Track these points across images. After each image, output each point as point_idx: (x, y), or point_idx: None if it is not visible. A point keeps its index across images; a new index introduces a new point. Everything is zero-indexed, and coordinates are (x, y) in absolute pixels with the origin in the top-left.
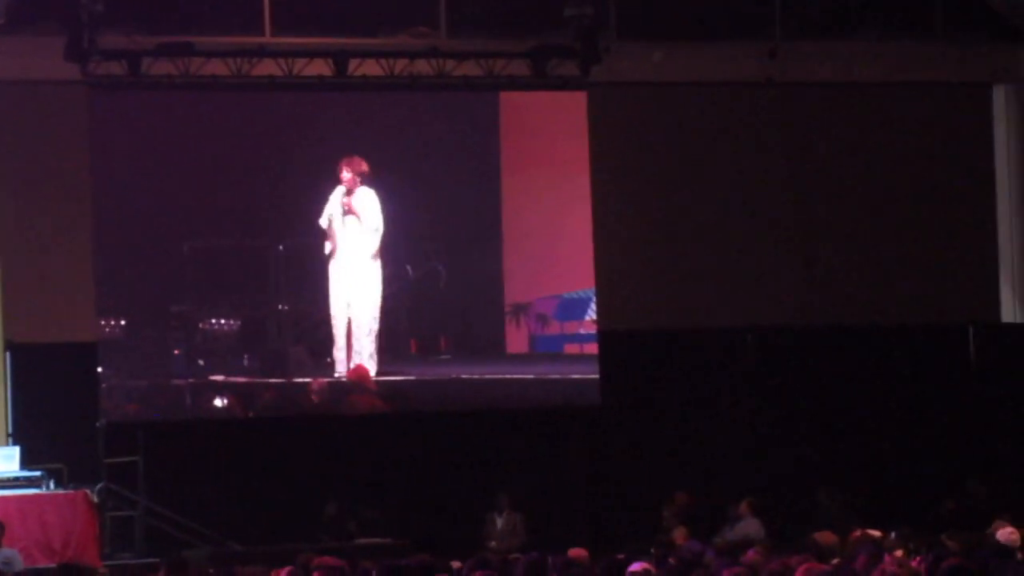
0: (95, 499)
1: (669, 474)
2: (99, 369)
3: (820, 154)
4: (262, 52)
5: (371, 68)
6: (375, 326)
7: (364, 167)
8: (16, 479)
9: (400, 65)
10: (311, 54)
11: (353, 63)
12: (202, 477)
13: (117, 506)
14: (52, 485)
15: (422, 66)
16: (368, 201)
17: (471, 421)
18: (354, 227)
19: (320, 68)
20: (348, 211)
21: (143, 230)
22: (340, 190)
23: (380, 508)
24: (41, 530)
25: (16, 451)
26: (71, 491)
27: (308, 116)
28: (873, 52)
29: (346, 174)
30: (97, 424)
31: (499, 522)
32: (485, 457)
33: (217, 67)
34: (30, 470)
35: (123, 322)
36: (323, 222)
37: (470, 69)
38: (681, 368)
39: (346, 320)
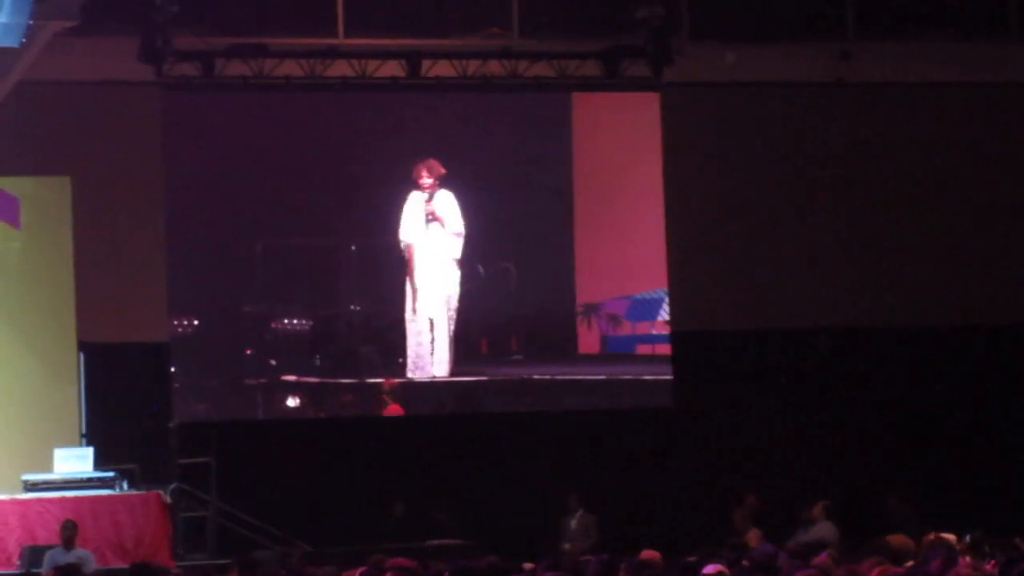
0: (167, 500)
1: (741, 476)
2: (171, 369)
3: (893, 155)
4: (335, 53)
5: (443, 69)
6: (454, 328)
7: (441, 169)
8: (89, 479)
9: (472, 66)
10: (384, 55)
11: (426, 64)
12: (274, 478)
13: (189, 507)
14: (125, 486)
15: (494, 67)
16: (450, 205)
17: (543, 422)
18: (438, 232)
19: (393, 69)
20: (432, 217)
21: (215, 230)
22: (419, 195)
23: (451, 509)
24: (114, 530)
25: (89, 451)
26: (144, 492)
27: (380, 116)
28: (946, 53)
29: (426, 179)
30: (170, 424)
31: (572, 523)
32: (558, 458)
33: (290, 68)
34: (103, 471)
35: (195, 322)
36: (404, 228)
37: (542, 70)
38: (754, 369)
39: (429, 323)
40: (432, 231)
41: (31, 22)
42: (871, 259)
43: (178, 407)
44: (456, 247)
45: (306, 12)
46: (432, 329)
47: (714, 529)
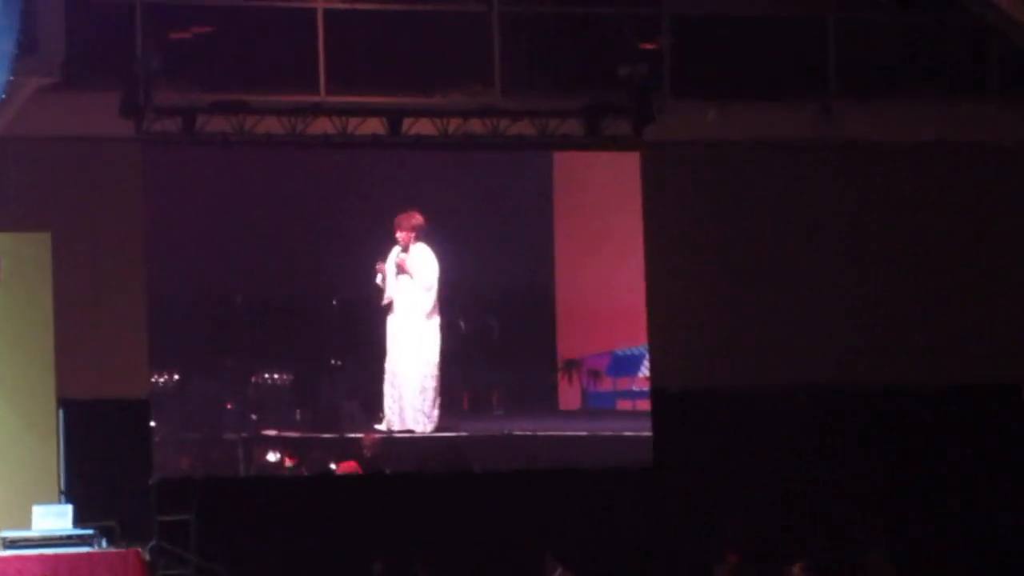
0: (147, 557)
1: (721, 534)
2: (152, 425)
3: (875, 213)
4: (317, 110)
5: (425, 127)
6: (429, 383)
7: (419, 220)
8: (68, 536)
9: (454, 124)
10: (365, 113)
11: (407, 122)
12: (255, 535)
13: (169, 564)
14: (104, 543)
15: (476, 125)
16: (422, 259)
17: (524, 479)
18: (407, 285)
19: (374, 126)
20: (401, 270)
21: (196, 285)
22: (396, 248)
23: (430, 566)
24: None
25: (68, 508)
26: (123, 549)
27: (362, 171)
28: (928, 112)
29: (400, 232)
30: (150, 482)
31: None
32: (538, 516)
33: (272, 125)
34: (82, 528)
35: (175, 376)
36: (379, 279)
37: (524, 128)
38: (734, 427)
39: (398, 377)
40: (401, 284)
41: (11, 78)
42: (852, 317)
43: (159, 462)
44: (425, 301)
45: (288, 69)
46: (403, 384)
47: None
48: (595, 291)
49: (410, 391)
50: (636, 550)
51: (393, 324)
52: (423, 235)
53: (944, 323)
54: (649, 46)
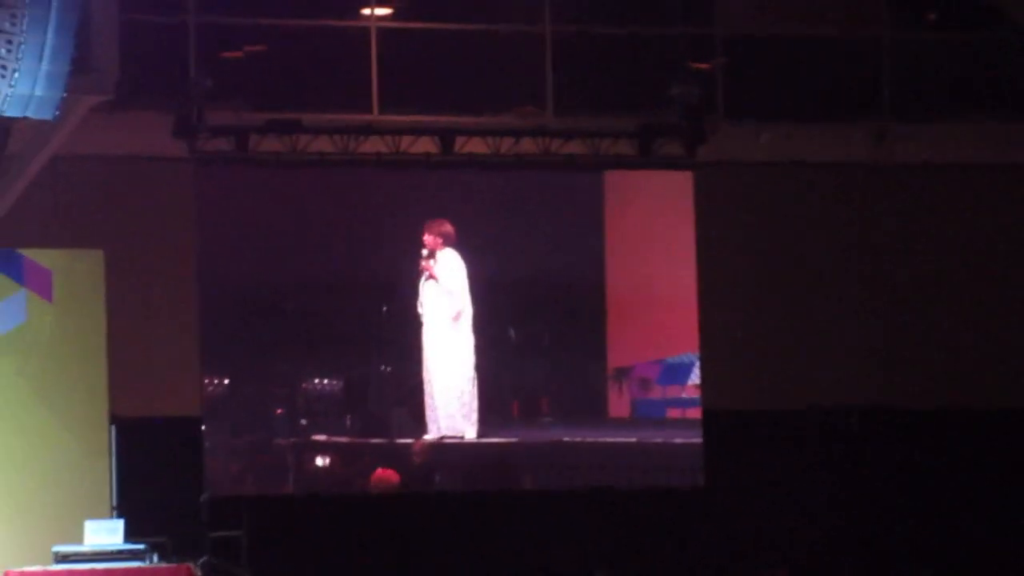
0: (198, 573)
1: (769, 554)
2: (203, 443)
3: (928, 236)
4: (369, 130)
5: (477, 146)
6: (466, 387)
7: (447, 228)
8: (120, 552)
9: (506, 144)
10: (417, 132)
11: (459, 141)
12: (306, 553)
13: None
14: (156, 558)
15: (528, 145)
16: (448, 264)
17: (575, 498)
18: (433, 290)
19: (426, 146)
20: (429, 275)
21: (247, 295)
22: (423, 253)
23: None
24: None
25: (120, 524)
26: (174, 565)
27: (416, 184)
28: (983, 134)
29: (428, 237)
30: (201, 498)
31: None
32: (589, 535)
33: (324, 144)
34: (133, 543)
35: (226, 381)
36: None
37: (576, 148)
38: (786, 447)
39: (433, 384)
40: (428, 289)
41: (65, 95)
42: (905, 339)
43: (209, 468)
44: (450, 306)
45: (341, 89)
46: (438, 390)
47: None
48: (645, 301)
49: (445, 398)
50: (685, 570)
51: (426, 330)
52: (452, 242)
53: (998, 346)
54: (702, 66)
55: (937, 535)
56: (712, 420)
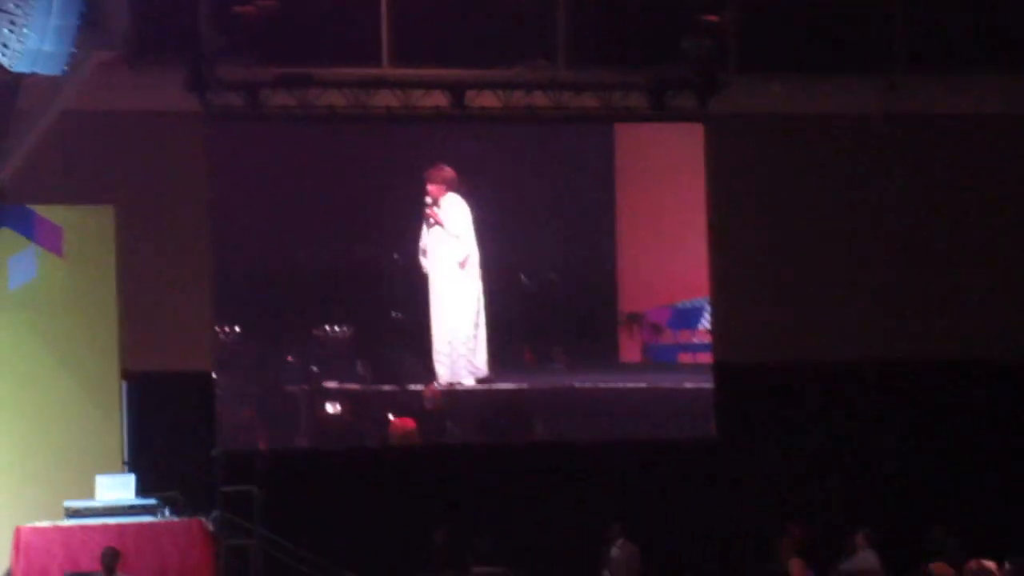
0: (210, 527)
1: (783, 506)
2: (215, 396)
3: (939, 187)
4: (380, 83)
5: (488, 100)
6: (472, 332)
7: (448, 173)
8: (132, 507)
9: (517, 97)
10: (428, 85)
11: (470, 94)
12: (318, 506)
13: (233, 535)
14: (167, 513)
15: (539, 98)
16: (452, 209)
17: (587, 450)
18: (440, 236)
19: (437, 99)
20: (434, 221)
21: (259, 246)
22: (427, 200)
23: (494, 536)
24: (156, 558)
25: (131, 479)
26: (186, 519)
27: (428, 137)
28: (993, 86)
29: (431, 185)
30: (213, 452)
31: (614, 553)
32: (602, 487)
33: (335, 98)
34: (145, 498)
35: (237, 329)
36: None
37: (587, 101)
38: (799, 400)
39: (443, 330)
40: (434, 235)
41: (74, 51)
42: (918, 291)
43: (221, 415)
44: (457, 250)
45: (351, 43)
46: (446, 335)
47: (757, 560)
48: (656, 248)
49: (449, 342)
50: (699, 523)
51: (432, 276)
52: (454, 187)
53: (1013, 297)
54: (713, 19)
55: (949, 486)
56: (724, 372)
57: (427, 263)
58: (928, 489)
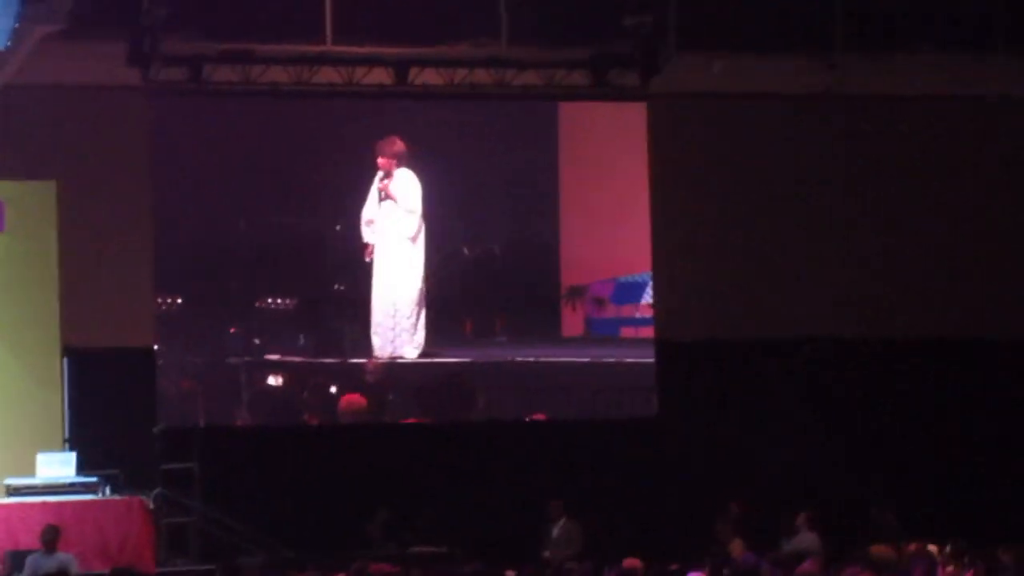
0: (151, 505)
1: (724, 485)
2: (156, 372)
3: (879, 167)
4: (323, 60)
5: (431, 77)
6: (416, 308)
7: (400, 146)
8: (72, 484)
9: (460, 74)
10: (371, 62)
11: (413, 71)
12: (257, 484)
13: (172, 512)
14: (108, 491)
15: (482, 75)
16: (404, 183)
17: (528, 428)
18: (390, 210)
19: (380, 76)
20: (385, 195)
21: (201, 219)
22: (379, 174)
23: (434, 515)
24: (97, 535)
25: (72, 456)
26: (127, 497)
27: (370, 110)
28: (933, 65)
29: (381, 159)
30: (154, 430)
31: (555, 531)
32: (542, 465)
33: (278, 74)
34: (86, 476)
35: (179, 300)
36: (366, 207)
37: (530, 79)
38: (738, 378)
39: (386, 303)
40: (385, 209)
41: (17, 25)
42: (856, 269)
43: (162, 401)
44: (409, 225)
45: (294, 19)
46: (388, 308)
47: (697, 538)
48: (599, 223)
49: (392, 315)
50: (639, 500)
51: (379, 249)
52: (405, 161)
53: (948, 276)
54: None
55: (888, 466)
56: (666, 349)
57: (372, 235)
58: (869, 468)
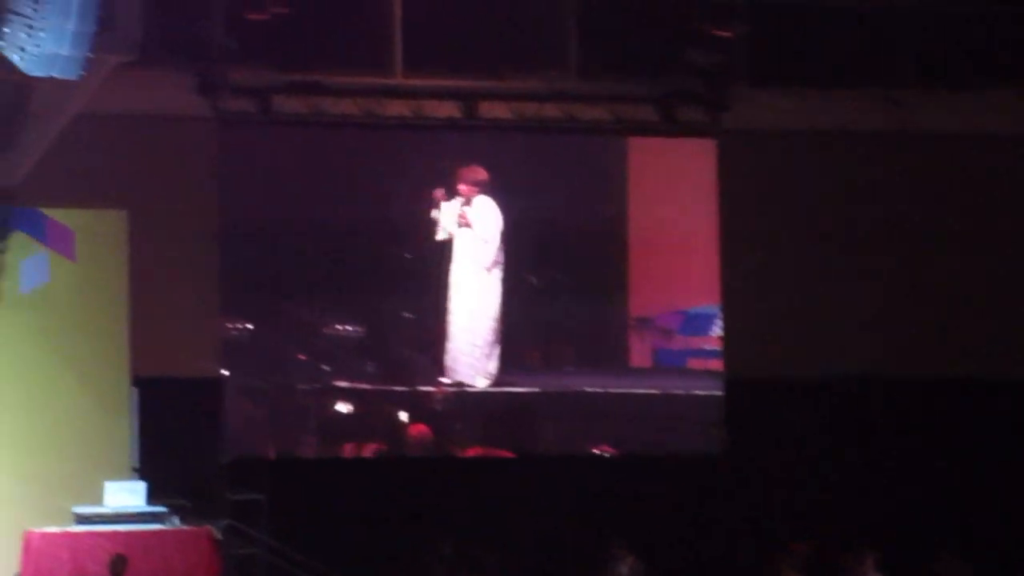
0: (218, 536)
1: (790, 525)
2: (225, 392)
3: (947, 204)
4: (392, 92)
5: (500, 111)
6: (490, 338)
7: (482, 175)
8: (141, 514)
9: (529, 108)
10: (440, 95)
11: (482, 105)
12: (325, 516)
13: (240, 544)
14: (176, 521)
15: (551, 109)
16: (483, 211)
17: (595, 464)
18: (467, 238)
19: (449, 110)
20: (463, 223)
21: (269, 247)
22: (458, 200)
23: (499, 551)
24: (163, 566)
25: (142, 486)
26: (194, 528)
27: (441, 142)
28: (1005, 105)
29: (462, 185)
30: (222, 461)
31: (621, 570)
32: (608, 502)
33: (347, 106)
34: (154, 505)
35: (248, 326)
36: (441, 234)
37: (599, 113)
38: (807, 417)
39: (462, 331)
40: (462, 236)
41: (90, 55)
42: (928, 309)
43: (230, 431)
44: (485, 253)
45: (364, 51)
46: (462, 337)
47: None
48: (668, 253)
49: (468, 344)
50: (704, 540)
51: (455, 277)
52: (486, 189)
53: (1019, 317)
54: (723, 33)
55: (960, 510)
56: (734, 385)
57: (452, 265)
58: (939, 511)
